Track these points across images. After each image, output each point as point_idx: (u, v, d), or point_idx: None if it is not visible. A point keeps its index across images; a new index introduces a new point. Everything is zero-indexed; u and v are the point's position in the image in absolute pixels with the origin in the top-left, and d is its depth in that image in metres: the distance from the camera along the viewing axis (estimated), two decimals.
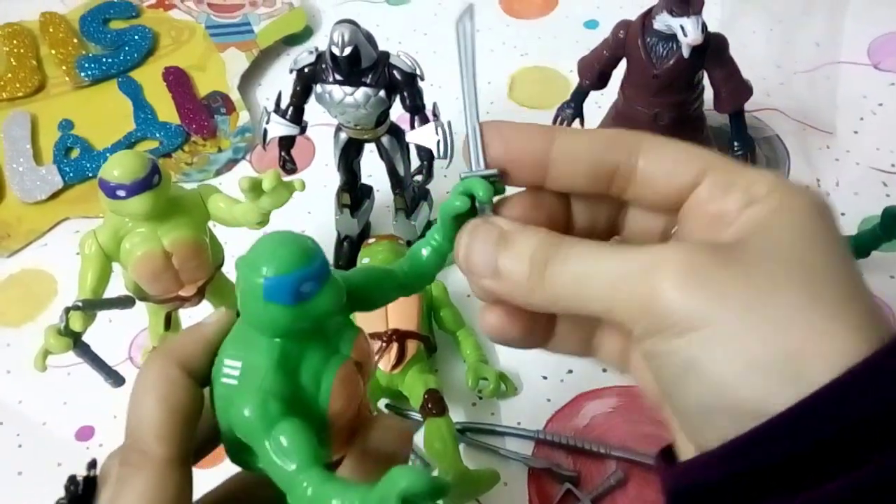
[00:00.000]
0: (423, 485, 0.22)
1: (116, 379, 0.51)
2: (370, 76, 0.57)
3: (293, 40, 0.88)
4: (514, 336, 0.31)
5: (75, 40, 0.87)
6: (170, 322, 0.56)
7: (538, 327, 0.31)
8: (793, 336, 0.23)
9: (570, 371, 0.60)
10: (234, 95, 0.82)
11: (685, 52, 0.55)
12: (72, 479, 0.31)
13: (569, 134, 0.30)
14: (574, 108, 0.63)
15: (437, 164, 0.60)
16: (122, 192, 0.48)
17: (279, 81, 0.77)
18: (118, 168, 0.47)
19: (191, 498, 0.30)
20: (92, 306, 0.48)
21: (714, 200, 0.27)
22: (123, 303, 0.51)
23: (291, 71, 0.59)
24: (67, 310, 0.47)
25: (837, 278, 0.24)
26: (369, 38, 0.56)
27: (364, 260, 0.61)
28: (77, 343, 0.48)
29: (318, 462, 0.26)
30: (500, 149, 0.30)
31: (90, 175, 0.75)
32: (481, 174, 0.29)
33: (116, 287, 0.53)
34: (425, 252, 0.32)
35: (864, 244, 0.59)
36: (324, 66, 0.57)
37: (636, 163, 0.29)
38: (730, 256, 0.25)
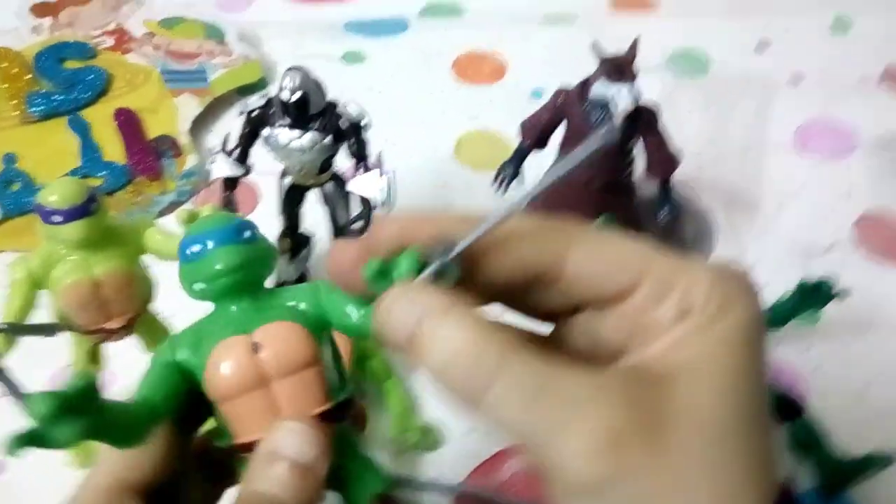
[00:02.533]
0: None
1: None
2: (318, 122, 0.58)
3: (248, 90, 0.89)
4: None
5: (28, 76, 0.87)
6: (95, 356, 0.55)
7: None
8: None
9: None
10: (184, 140, 0.83)
11: (617, 121, 0.57)
12: None
13: (517, 218, 0.28)
14: (514, 167, 0.66)
15: (376, 212, 0.61)
16: (58, 218, 0.48)
17: (231, 130, 0.79)
18: (56, 193, 0.48)
19: None
20: (15, 330, 0.48)
21: (647, 311, 0.26)
22: (47, 329, 0.50)
23: (241, 114, 0.60)
24: None
25: (748, 447, 0.24)
26: (318, 86, 0.58)
27: None
28: None
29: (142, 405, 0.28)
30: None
31: (29, 209, 0.75)
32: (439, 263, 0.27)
33: (42, 318, 0.53)
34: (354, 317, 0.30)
35: (780, 315, 0.61)
36: (273, 110, 0.59)
37: (564, 264, 0.27)
38: (654, 421, 0.24)
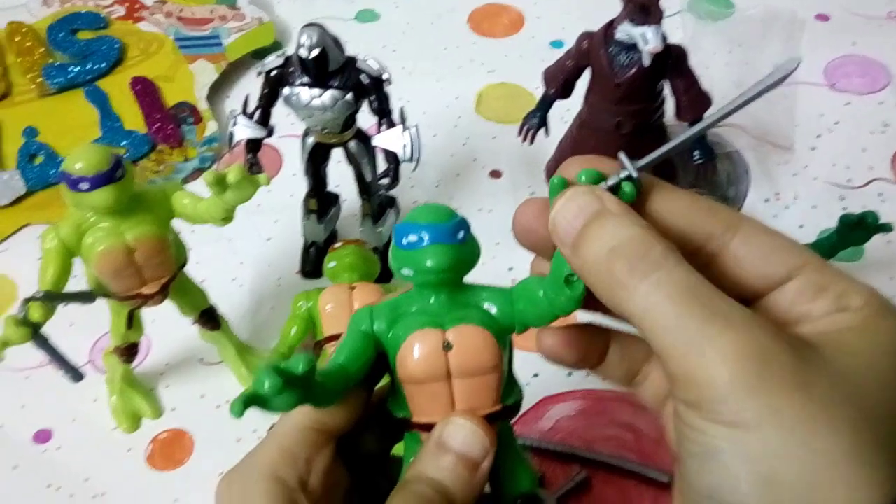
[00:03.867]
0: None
1: (75, 374, 0.50)
2: (338, 79, 0.57)
3: (262, 54, 0.88)
4: (567, 360, 0.31)
5: (42, 49, 0.86)
6: (132, 321, 0.56)
7: (591, 353, 0.31)
8: (820, 475, 0.23)
9: (536, 375, 0.60)
10: (202, 106, 0.82)
11: (646, 61, 0.56)
12: None
13: (670, 191, 0.29)
14: (540, 116, 0.64)
15: (403, 168, 0.61)
16: (84, 185, 0.47)
17: (250, 93, 0.78)
18: (81, 161, 0.47)
19: None
20: (52, 298, 0.48)
21: (802, 301, 0.26)
22: (84, 297, 0.50)
23: (259, 74, 0.60)
24: (27, 300, 0.47)
25: (892, 422, 0.24)
26: (336, 42, 0.57)
27: (330, 264, 0.61)
28: (36, 334, 0.47)
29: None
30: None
31: (53, 181, 0.75)
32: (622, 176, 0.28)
33: (80, 286, 0.53)
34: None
35: (821, 252, 0.60)
36: (292, 69, 0.58)
37: (729, 241, 0.27)
38: (800, 363, 0.24)
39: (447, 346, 0.31)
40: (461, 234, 0.31)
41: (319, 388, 0.29)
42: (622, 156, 0.28)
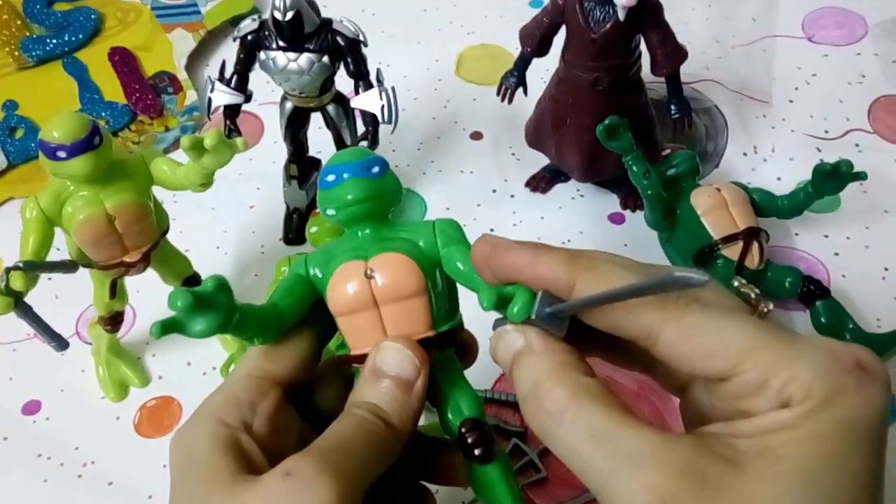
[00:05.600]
0: None
1: (60, 342, 0.51)
2: (313, 42, 0.57)
3: (241, 21, 0.88)
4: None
5: (18, 22, 0.86)
6: (115, 290, 0.56)
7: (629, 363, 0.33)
8: None
9: None
10: (182, 75, 0.82)
11: (621, 15, 0.56)
12: None
13: (590, 311, 0.28)
14: (517, 76, 0.64)
15: (382, 130, 0.61)
16: (62, 153, 0.47)
17: (227, 60, 0.78)
18: (58, 129, 0.47)
19: None
20: (33, 267, 0.48)
21: (744, 396, 0.26)
22: (66, 266, 0.50)
23: (235, 39, 0.59)
24: (8, 270, 0.47)
25: None
26: (311, 4, 0.57)
27: (312, 229, 0.62)
28: (18, 304, 0.48)
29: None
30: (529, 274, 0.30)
31: (35, 155, 0.74)
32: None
33: (62, 258, 0.53)
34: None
35: (796, 204, 0.60)
36: (267, 32, 0.58)
37: (654, 342, 0.27)
38: (707, 495, 0.24)
39: (369, 274, 0.32)
40: (376, 169, 0.34)
41: (244, 318, 0.30)
42: (539, 299, 0.29)
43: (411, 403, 0.32)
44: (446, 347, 0.34)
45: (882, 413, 0.24)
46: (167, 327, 0.28)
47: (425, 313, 0.33)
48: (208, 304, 0.29)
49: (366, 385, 0.32)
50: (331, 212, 0.34)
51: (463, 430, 0.34)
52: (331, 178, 0.34)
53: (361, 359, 0.33)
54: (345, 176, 0.33)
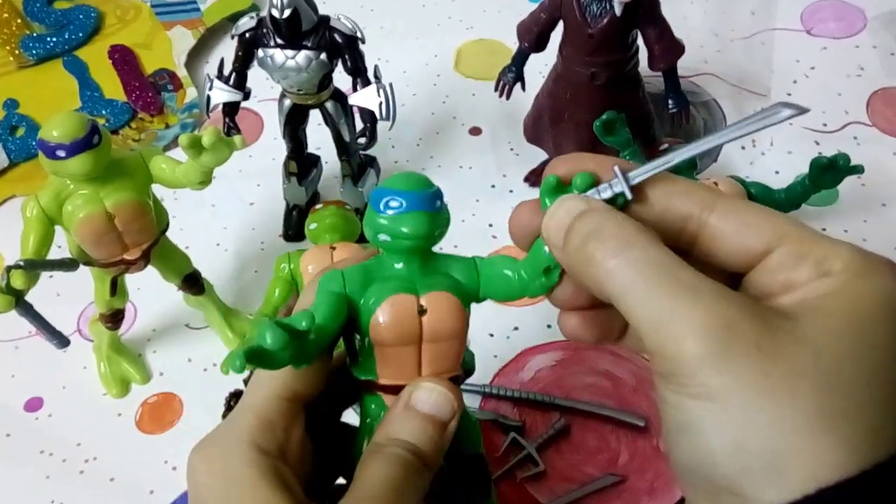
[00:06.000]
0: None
1: (61, 339, 0.51)
2: (311, 39, 0.57)
3: (240, 18, 0.88)
4: (589, 338, 0.32)
5: (19, 20, 0.86)
6: (115, 287, 0.56)
7: (610, 330, 0.32)
8: (784, 443, 0.23)
9: (516, 328, 0.61)
10: (181, 72, 0.82)
11: (617, 10, 0.56)
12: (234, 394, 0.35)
13: (649, 179, 0.29)
14: (515, 71, 0.65)
15: (380, 126, 0.61)
16: (61, 153, 0.48)
17: (226, 57, 0.78)
18: (57, 128, 0.47)
19: None
20: (34, 266, 0.48)
21: (783, 270, 0.26)
22: (66, 265, 0.51)
23: (233, 37, 0.60)
24: (9, 268, 0.47)
25: (861, 388, 0.24)
26: (309, 2, 0.57)
27: (311, 225, 0.62)
28: (19, 302, 0.48)
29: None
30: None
31: (35, 153, 0.74)
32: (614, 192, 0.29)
33: (62, 255, 0.54)
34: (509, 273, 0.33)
35: (794, 197, 0.60)
36: (265, 30, 0.58)
37: (707, 219, 0.28)
38: (767, 333, 0.24)
39: (421, 311, 0.31)
40: (438, 203, 0.32)
41: (309, 347, 0.29)
42: (617, 170, 0.29)
43: (445, 443, 0.32)
44: (461, 383, 0.35)
45: None
46: (251, 357, 0.27)
47: (459, 353, 0.33)
48: (294, 340, 0.28)
49: (401, 421, 0.32)
50: (384, 238, 0.31)
51: (470, 465, 0.35)
52: (394, 204, 0.31)
53: (389, 389, 0.33)
54: (404, 206, 0.31)
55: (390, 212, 0.31)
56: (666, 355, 0.25)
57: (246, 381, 0.34)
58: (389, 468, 0.30)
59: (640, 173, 0.29)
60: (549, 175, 0.30)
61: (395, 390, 0.33)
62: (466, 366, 0.34)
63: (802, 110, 0.27)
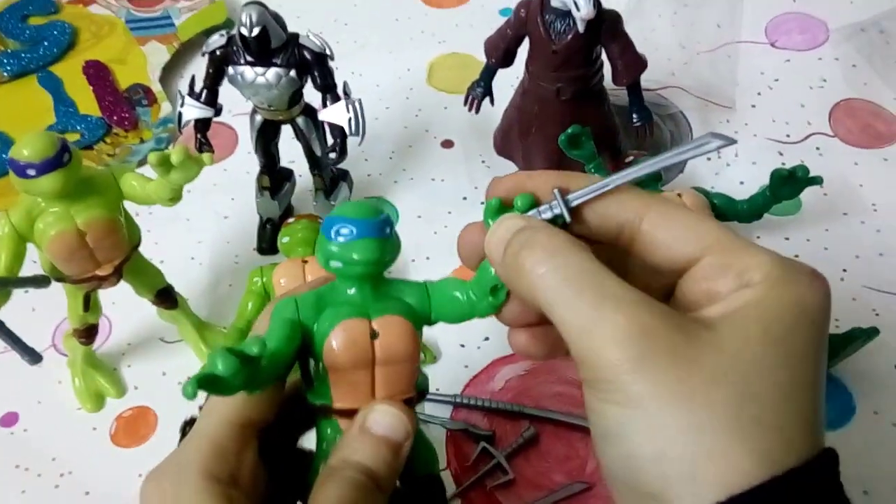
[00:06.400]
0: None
1: (33, 356, 0.52)
2: (280, 56, 0.58)
3: (214, 33, 0.89)
4: (538, 354, 0.33)
5: None
6: (89, 303, 0.57)
7: (559, 345, 0.32)
8: (702, 446, 0.24)
9: (487, 339, 0.62)
10: (156, 87, 0.83)
11: (580, 27, 0.57)
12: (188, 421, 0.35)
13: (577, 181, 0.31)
14: (483, 86, 0.66)
15: (351, 141, 0.62)
16: (31, 171, 0.48)
17: (199, 73, 0.79)
18: (27, 147, 0.48)
19: None
20: (5, 283, 0.49)
21: (707, 280, 0.28)
22: (38, 281, 0.51)
23: (203, 54, 0.60)
24: None
25: (776, 395, 0.25)
26: (278, 19, 0.58)
27: (284, 239, 0.63)
28: None
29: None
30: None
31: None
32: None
33: (37, 271, 0.54)
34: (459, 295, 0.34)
35: (756, 208, 0.62)
36: (235, 47, 0.59)
37: (640, 226, 0.29)
38: (685, 341, 0.25)
39: (374, 335, 0.32)
40: (387, 230, 0.33)
41: (261, 373, 0.30)
42: (556, 193, 0.30)
43: (399, 464, 0.33)
44: (415, 405, 0.35)
45: (826, 307, 0.27)
46: (202, 384, 0.27)
47: (413, 375, 0.34)
48: (246, 366, 0.28)
49: (355, 444, 0.32)
50: (336, 264, 0.32)
51: (425, 486, 0.36)
52: (345, 231, 0.32)
53: (344, 413, 0.33)
54: (354, 233, 0.32)
55: (341, 239, 0.32)
56: (589, 363, 0.26)
57: (201, 408, 0.34)
58: (343, 491, 0.30)
59: (578, 196, 0.30)
60: (492, 198, 0.31)
61: (350, 414, 0.33)
62: (420, 387, 0.35)
63: (731, 141, 0.29)
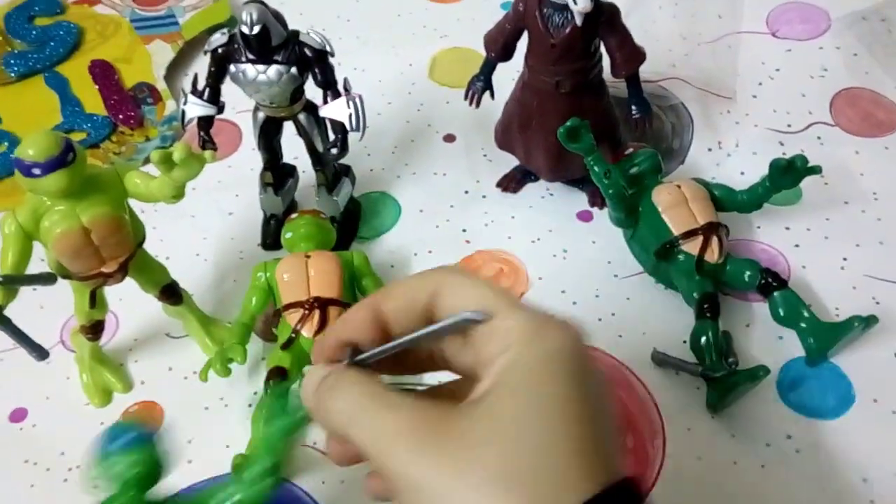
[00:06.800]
0: None
1: (40, 352, 0.53)
2: (281, 54, 0.59)
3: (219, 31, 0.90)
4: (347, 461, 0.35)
5: (0, 38, 0.87)
6: (95, 300, 0.58)
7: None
8: None
9: None
10: (161, 85, 0.83)
11: (578, 21, 0.58)
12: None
13: (390, 295, 0.34)
14: (483, 80, 0.66)
15: (352, 137, 0.63)
16: (37, 171, 0.49)
17: (203, 71, 0.80)
18: (33, 147, 0.49)
19: None
20: (12, 281, 0.50)
21: (485, 348, 0.30)
22: (45, 279, 0.52)
23: (206, 52, 0.61)
24: None
25: (542, 446, 0.27)
26: (278, 17, 0.58)
27: (287, 234, 0.63)
28: None
29: None
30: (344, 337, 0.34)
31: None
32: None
33: (44, 269, 0.55)
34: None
35: (755, 198, 0.62)
36: (236, 45, 0.59)
37: (436, 301, 0.32)
38: (456, 421, 0.28)
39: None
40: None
41: None
42: (348, 351, 0.34)
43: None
44: None
45: (579, 351, 0.30)
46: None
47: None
48: None
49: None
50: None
51: None
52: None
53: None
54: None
55: None
56: (384, 468, 0.29)
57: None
58: None
59: (367, 356, 0.33)
60: (318, 361, 0.35)
61: None
62: None
63: (482, 316, 0.30)
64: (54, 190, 0.50)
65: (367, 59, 0.83)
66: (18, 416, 0.62)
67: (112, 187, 0.53)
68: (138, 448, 0.41)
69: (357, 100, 0.60)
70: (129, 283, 0.58)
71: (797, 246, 0.65)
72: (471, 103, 0.67)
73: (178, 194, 0.53)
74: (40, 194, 0.51)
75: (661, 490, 0.53)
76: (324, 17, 0.88)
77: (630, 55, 0.61)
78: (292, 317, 0.59)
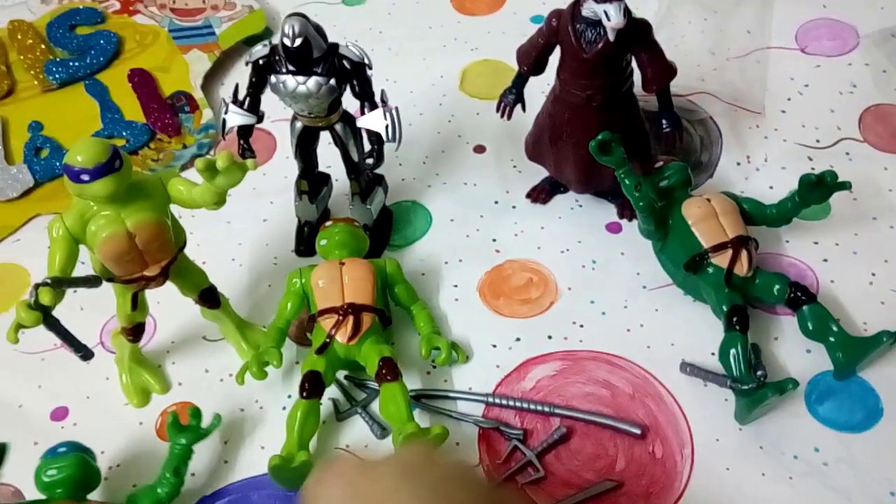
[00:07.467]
0: None
1: (86, 352, 0.54)
2: (321, 66, 0.60)
3: (254, 41, 0.91)
4: None
5: (42, 46, 0.90)
6: (136, 302, 0.59)
7: None
8: None
9: (518, 339, 0.64)
10: (198, 94, 0.85)
11: (611, 36, 0.59)
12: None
13: None
14: (515, 93, 0.67)
15: (387, 148, 0.64)
16: (85, 177, 0.51)
17: (241, 81, 0.81)
18: (82, 153, 0.51)
19: None
20: (60, 283, 0.51)
21: None
22: (91, 281, 0.54)
23: (247, 63, 0.63)
24: (37, 285, 0.50)
25: None
26: (319, 30, 0.60)
27: (322, 241, 0.65)
28: (47, 317, 0.51)
29: None
30: None
31: (60, 173, 0.78)
32: None
33: (87, 272, 0.56)
34: None
35: (784, 212, 0.63)
36: (277, 57, 0.61)
37: None
38: None
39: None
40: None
41: None
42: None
43: None
44: None
45: None
46: None
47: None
48: None
49: None
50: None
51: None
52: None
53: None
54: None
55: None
56: None
57: None
58: None
59: None
60: None
61: None
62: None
63: None
64: (101, 195, 0.52)
65: (399, 71, 0.85)
66: (60, 414, 0.63)
67: (156, 193, 0.55)
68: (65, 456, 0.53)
69: (394, 111, 0.62)
70: (167, 287, 0.59)
71: (825, 260, 0.66)
72: (502, 116, 0.69)
73: (220, 201, 0.55)
74: (87, 199, 0.53)
75: (690, 499, 0.54)
76: (356, 29, 0.90)
77: (661, 71, 0.62)
78: (327, 322, 0.60)
